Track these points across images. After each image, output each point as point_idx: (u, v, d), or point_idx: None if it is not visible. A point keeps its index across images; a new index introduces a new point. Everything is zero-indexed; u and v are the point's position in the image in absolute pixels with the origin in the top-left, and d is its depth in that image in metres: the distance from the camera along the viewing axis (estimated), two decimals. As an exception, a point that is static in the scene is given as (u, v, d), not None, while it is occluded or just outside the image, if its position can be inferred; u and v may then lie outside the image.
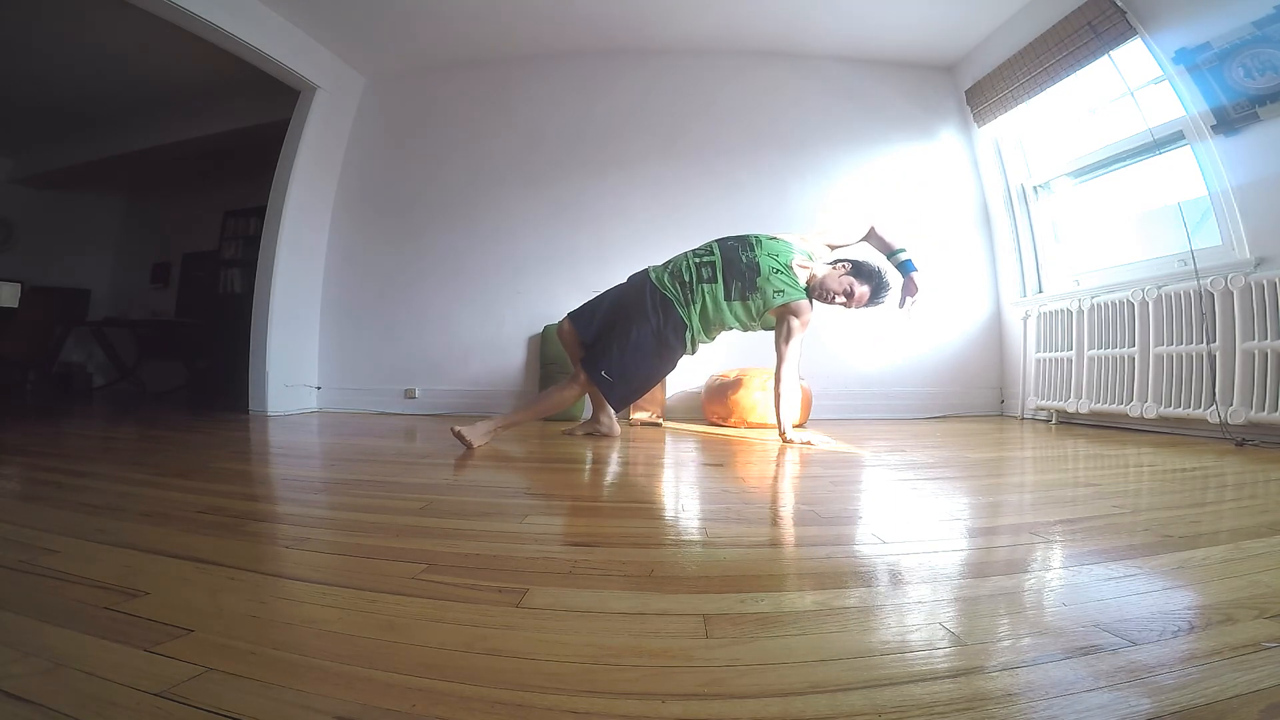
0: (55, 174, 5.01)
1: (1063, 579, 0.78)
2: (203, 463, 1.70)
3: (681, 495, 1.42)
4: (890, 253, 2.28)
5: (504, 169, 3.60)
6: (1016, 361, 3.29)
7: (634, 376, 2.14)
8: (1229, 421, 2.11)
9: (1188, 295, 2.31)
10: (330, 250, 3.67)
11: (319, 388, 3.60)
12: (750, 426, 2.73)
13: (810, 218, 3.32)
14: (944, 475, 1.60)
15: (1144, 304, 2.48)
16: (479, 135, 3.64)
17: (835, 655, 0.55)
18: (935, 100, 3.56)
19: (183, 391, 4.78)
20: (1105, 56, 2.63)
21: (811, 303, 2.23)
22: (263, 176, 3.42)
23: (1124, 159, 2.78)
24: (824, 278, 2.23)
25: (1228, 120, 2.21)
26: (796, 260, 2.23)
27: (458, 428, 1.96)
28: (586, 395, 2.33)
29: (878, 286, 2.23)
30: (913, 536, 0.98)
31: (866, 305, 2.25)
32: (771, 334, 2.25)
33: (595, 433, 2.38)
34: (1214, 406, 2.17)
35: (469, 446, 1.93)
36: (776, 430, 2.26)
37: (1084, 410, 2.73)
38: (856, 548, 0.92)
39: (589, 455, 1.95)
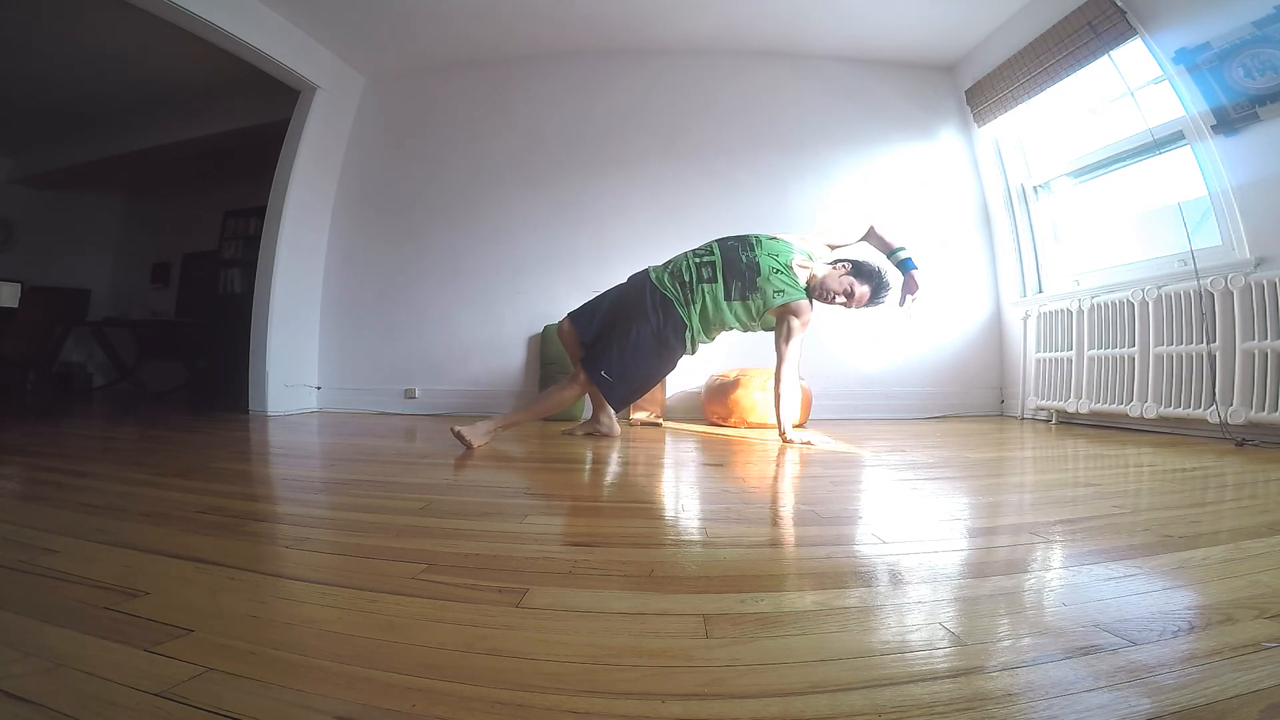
0: (55, 174, 5.01)
1: (1063, 579, 0.78)
2: (203, 463, 1.70)
3: (681, 495, 1.42)
4: (890, 251, 2.28)
5: (504, 169, 3.60)
6: (1016, 361, 3.29)
7: (634, 376, 2.14)
8: (1229, 421, 2.11)
9: (1188, 295, 2.31)
10: (330, 250, 3.67)
11: (319, 388, 3.60)
12: (750, 426, 2.73)
13: (810, 218, 3.32)
14: (944, 475, 1.60)
15: (1144, 304, 2.48)
16: (479, 135, 3.64)
17: (835, 655, 0.55)
18: (935, 100, 3.56)
19: (183, 391, 4.78)
20: (1105, 56, 2.63)
21: (811, 303, 2.23)
22: (263, 176, 3.42)
23: (1124, 159, 2.78)
24: (824, 278, 2.23)
25: (1228, 120, 2.21)
26: (796, 260, 2.23)
27: (458, 428, 1.96)
28: (586, 395, 2.33)
29: (878, 286, 2.23)
30: (913, 536, 0.98)
31: (867, 305, 2.25)
32: (771, 334, 2.25)
33: (595, 433, 2.38)
34: (1214, 406, 2.17)
35: (469, 446, 1.93)
36: (776, 430, 2.26)
37: (1084, 410, 2.73)
38: (856, 548, 0.92)
39: (589, 455, 1.95)
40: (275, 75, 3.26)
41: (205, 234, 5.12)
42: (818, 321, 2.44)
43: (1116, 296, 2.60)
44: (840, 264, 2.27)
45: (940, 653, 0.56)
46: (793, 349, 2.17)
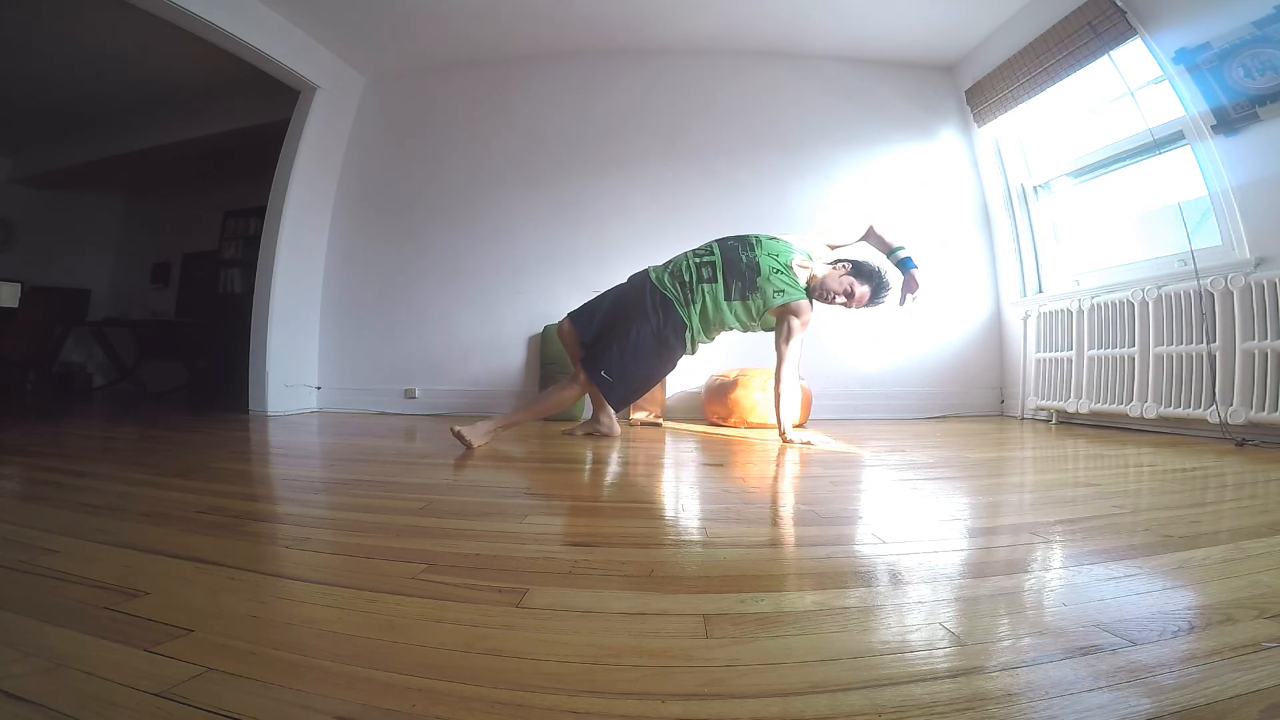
0: (55, 174, 5.01)
1: (1063, 579, 0.78)
2: (203, 463, 1.70)
3: (681, 495, 1.42)
4: (889, 251, 2.28)
5: (504, 169, 3.60)
6: (1016, 361, 3.29)
7: (634, 376, 2.14)
8: (1229, 421, 2.11)
9: (1188, 295, 2.31)
10: (330, 250, 3.67)
11: (319, 388, 3.60)
12: (750, 426, 2.73)
13: (810, 218, 3.32)
14: (944, 475, 1.60)
15: (1144, 304, 2.48)
16: (479, 135, 3.64)
17: (835, 655, 0.55)
18: (935, 100, 3.56)
19: (183, 391, 4.78)
20: (1105, 56, 2.63)
21: (811, 303, 2.23)
22: (263, 176, 3.42)
23: (1124, 159, 2.78)
24: (824, 278, 2.23)
25: (1228, 120, 2.21)
26: (796, 260, 2.23)
27: (458, 428, 1.96)
28: (586, 395, 2.33)
29: (878, 286, 2.23)
30: (913, 536, 0.98)
31: (867, 305, 2.25)
32: (771, 334, 2.25)
33: (595, 433, 2.38)
34: (1214, 406, 2.17)
35: (469, 446, 1.93)
36: (776, 430, 2.26)
37: (1084, 410, 2.73)
38: (856, 548, 0.92)
39: (589, 455, 1.95)
40: (275, 75, 3.26)
41: (205, 234, 5.12)
42: (818, 321, 2.44)
43: (1116, 296, 2.60)
44: (840, 264, 2.27)
45: (940, 653, 0.56)
46: (793, 349, 2.17)
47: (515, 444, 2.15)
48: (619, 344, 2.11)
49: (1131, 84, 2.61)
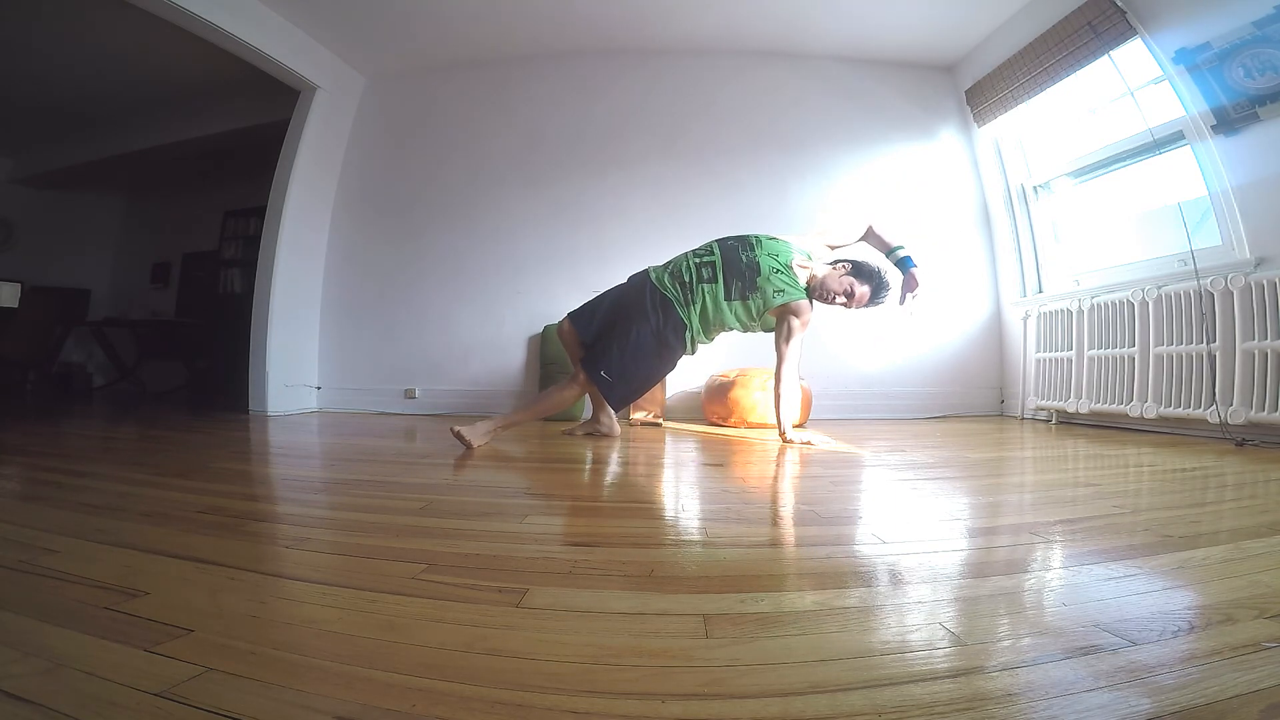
0: (55, 174, 5.01)
1: (1063, 579, 0.78)
2: (203, 463, 1.70)
3: (681, 495, 1.42)
4: (889, 250, 2.28)
5: (504, 169, 3.60)
6: (1016, 361, 3.29)
7: (634, 376, 2.14)
8: (1229, 421, 2.11)
9: (1188, 295, 2.31)
10: (330, 250, 3.67)
11: (319, 388, 3.60)
12: (750, 426, 2.73)
13: (810, 218, 3.32)
14: (944, 475, 1.60)
15: (1144, 304, 2.48)
16: (479, 135, 3.64)
17: (835, 655, 0.55)
18: (935, 100, 3.56)
19: (183, 391, 4.78)
20: (1105, 56, 2.63)
21: (811, 303, 2.23)
22: (263, 176, 3.42)
23: (1124, 159, 2.78)
24: (824, 278, 2.23)
25: (1228, 120, 2.21)
26: (796, 260, 2.23)
27: (457, 428, 1.96)
28: (586, 395, 2.33)
29: (878, 286, 2.23)
30: (913, 536, 0.98)
31: (867, 305, 2.25)
32: (771, 334, 2.25)
33: (595, 433, 2.38)
34: (1214, 406, 2.17)
35: (469, 446, 1.93)
36: (776, 430, 2.26)
37: (1084, 410, 2.73)
38: (856, 548, 0.92)
39: (589, 455, 1.95)
40: (275, 75, 3.26)
41: (205, 234, 5.12)
42: (818, 321, 2.44)
43: (1116, 296, 2.60)
44: (840, 264, 2.27)
45: (940, 653, 0.56)
46: (793, 349, 2.17)
47: (515, 444, 2.15)
48: (619, 344, 2.11)
49: (1131, 84, 2.62)
